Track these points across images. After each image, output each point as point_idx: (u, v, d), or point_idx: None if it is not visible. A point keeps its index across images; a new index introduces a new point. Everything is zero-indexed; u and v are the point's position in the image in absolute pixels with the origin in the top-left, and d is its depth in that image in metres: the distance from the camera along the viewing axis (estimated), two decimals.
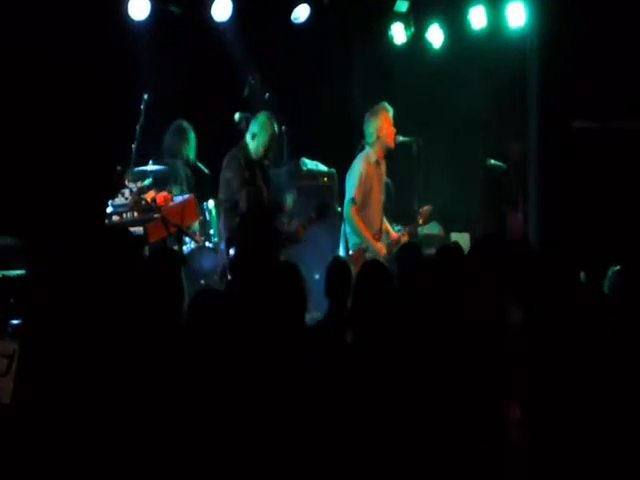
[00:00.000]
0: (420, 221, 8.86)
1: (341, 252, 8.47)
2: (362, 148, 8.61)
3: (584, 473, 4.52)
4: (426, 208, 8.90)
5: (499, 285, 5.09)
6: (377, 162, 8.63)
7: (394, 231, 8.82)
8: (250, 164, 8.08)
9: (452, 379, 4.72)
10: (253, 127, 8.14)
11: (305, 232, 8.22)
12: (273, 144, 8.25)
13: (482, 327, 4.94)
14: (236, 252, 7.54)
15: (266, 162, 8.34)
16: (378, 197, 8.67)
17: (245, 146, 8.11)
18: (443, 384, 4.70)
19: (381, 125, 8.57)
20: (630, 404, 4.60)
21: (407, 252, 6.28)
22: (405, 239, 8.73)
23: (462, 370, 4.75)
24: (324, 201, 8.76)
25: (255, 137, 8.10)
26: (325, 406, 4.51)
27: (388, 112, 8.60)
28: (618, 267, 5.58)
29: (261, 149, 8.12)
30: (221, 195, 8.13)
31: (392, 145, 8.64)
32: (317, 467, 4.36)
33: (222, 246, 7.95)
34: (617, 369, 4.70)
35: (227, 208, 8.01)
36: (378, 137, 8.56)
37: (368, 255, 8.20)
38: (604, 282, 5.54)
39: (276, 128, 8.22)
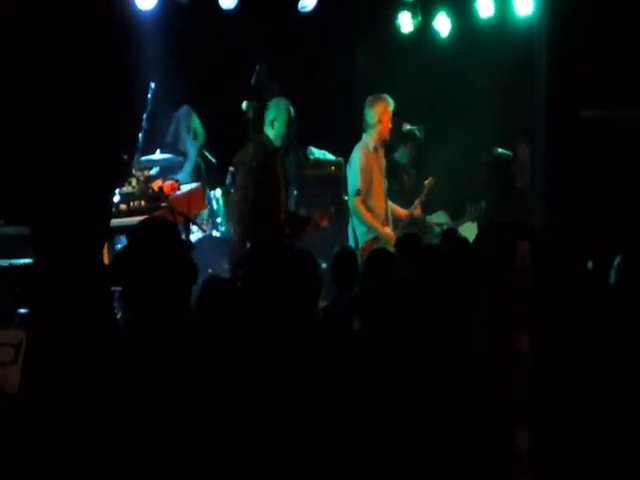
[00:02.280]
0: (424, 195, 8.89)
1: (350, 243, 8.48)
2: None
3: (586, 461, 4.53)
4: (429, 180, 8.95)
5: (504, 274, 5.09)
6: (375, 149, 8.64)
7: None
8: (270, 153, 7.98)
9: (459, 366, 4.73)
10: (270, 114, 8.05)
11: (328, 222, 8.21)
12: (291, 129, 8.18)
13: (488, 315, 4.94)
14: (253, 244, 7.48)
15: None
16: (380, 184, 8.67)
17: (265, 135, 8.02)
18: (450, 372, 4.71)
19: (381, 113, 8.58)
20: (635, 397, 4.60)
21: (408, 241, 6.30)
22: (418, 212, 8.78)
23: (468, 358, 4.76)
24: (338, 194, 8.73)
25: (274, 123, 8.02)
26: (332, 394, 4.52)
27: (389, 105, 8.61)
28: (624, 256, 5.57)
29: (282, 134, 8.02)
30: (234, 185, 8.07)
31: (387, 138, 8.65)
32: (324, 453, 4.37)
33: (234, 236, 7.86)
34: (622, 361, 4.71)
35: (239, 199, 7.87)
36: (375, 124, 8.56)
37: (378, 246, 8.22)
38: (610, 272, 5.54)
39: (292, 112, 8.15)
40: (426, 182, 9.01)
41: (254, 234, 7.57)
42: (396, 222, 8.80)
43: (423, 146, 9.45)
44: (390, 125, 8.63)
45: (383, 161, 8.78)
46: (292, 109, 8.12)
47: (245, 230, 7.63)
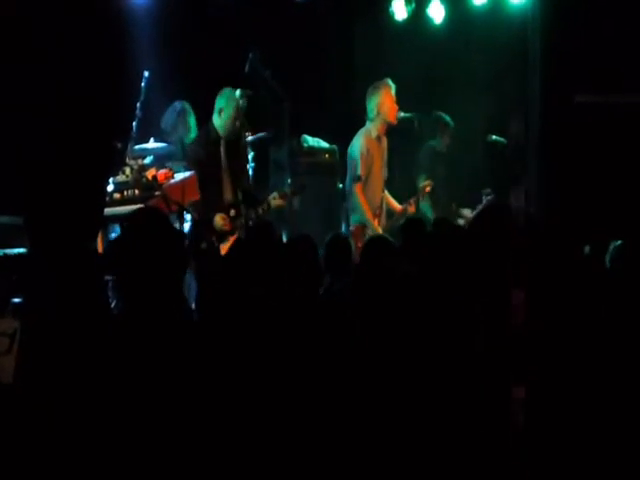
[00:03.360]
0: (421, 196, 8.91)
1: (343, 228, 8.49)
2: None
3: (588, 457, 4.53)
4: (427, 182, 8.96)
5: (502, 258, 5.08)
6: (378, 137, 8.64)
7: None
8: (216, 142, 8.10)
9: (457, 358, 4.72)
10: (219, 102, 8.15)
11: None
12: (238, 120, 8.23)
13: (486, 302, 4.93)
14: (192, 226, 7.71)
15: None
16: (379, 172, 8.68)
17: (210, 123, 8.15)
18: (448, 363, 4.70)
19: (383, 101, 8.58)
20: (633, 384, 4.60)
21: (412, 226, 6.27)
22: (412, 209, 8.78)
23: (467, 348, 4.75)
24: (300, 187, 8.76)
25: (222, 113, 8.12)
26: (328, 384, 4.50)
27: (390, 88, 8.61)
28: (619, 242, 5.57)
29: (228, 125, 8.13)
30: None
31: (394, 121, 8.66)
32: (322, 442, 4.36)
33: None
34: (619, 344, 4.70)
35: None
36: (379, 112, 8.58)
37: (368, 231, 8.22)
38: (606, 256, 5.53)
39: (242, 104, 8.24)
40: (425, 183, 9.04)
41: (195, 216, 7.74)
42: (389, 214, 8.83)
43: (417, 134, 9.43)
44: (394, 110, 8.63)
45: (385, 150, 8.78)
46: (243, 101, 8.20)
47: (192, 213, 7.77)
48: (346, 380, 4.52)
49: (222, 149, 8.17)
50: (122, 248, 4.14)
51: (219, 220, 7.91)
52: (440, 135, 9.96)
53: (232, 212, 8.05)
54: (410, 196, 8.98)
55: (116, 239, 4.47)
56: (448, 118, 9.92)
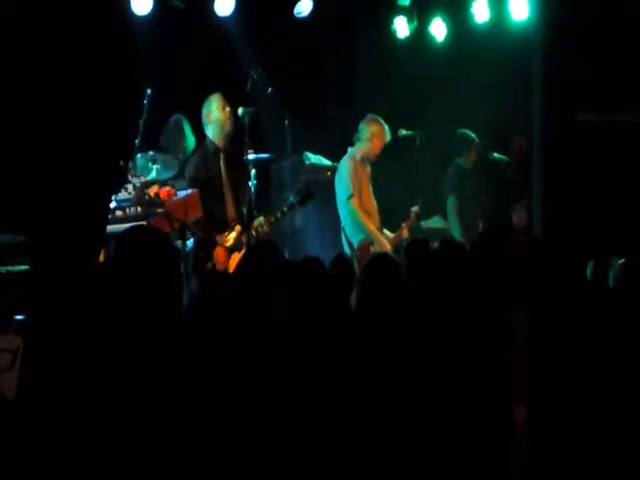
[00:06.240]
0: (410, 222, 8.90)
1: (346, 247, 8.49)
2: None
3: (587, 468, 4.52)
4: (415, 208, 8.96)
5: (504, 277, 5.09)
6: (362, 159, 8.71)
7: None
8: (215, 155, 8.12)
9: (459, 375, 4.71)
10: (204, 109, 8.19)
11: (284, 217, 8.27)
12: (231, 124, 8.24)
13: (488, 321, 4.93)
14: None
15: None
16: (369, 196, 8.73)
17: (207, 139, 8.18)
18: (450, 381, 4.69)
19: (374, 134, 8.65)
20: (636, 401, 4.59)
21: (417, 247, 6.27)
22: (405, 234, 8.78)
23: (469, 366, 4.74)
24: (307, 187, 8.75)
25: (210, 116, 8.15)
26: (334, 398, 4.51)
27: (385, 132, 8.71)
28: (622, 260, 5.57)
29: (221, 124, 8.15)
30: None
31: (373, 159, 8.75)
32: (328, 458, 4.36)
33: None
34: (622, 364, 4.70)
35: None
36: (368, 140, 8.64)
37: (373, 249, 8.22)
38: (609, 274, 5.54)
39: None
40: (413, 209, 9.03)
41: (199, 234, 7.81)
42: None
43: (419, 151, 9.45)
44: (379, 149, 8.72)
45: (369, 172, 8.85)
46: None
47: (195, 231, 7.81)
48: (351, 397, 4.53)
49: (222, 163, 8.18)
50: (112, 267, 4.13)
51: (219, 254, 7.89)
52: (466, 152, 9.92)
53: (237, 228, 8.03)
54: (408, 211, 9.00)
55: (107, 258, 4.47)
56: (473, 134, 9.90)
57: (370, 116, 8.84)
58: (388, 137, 8.76)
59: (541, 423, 4.56)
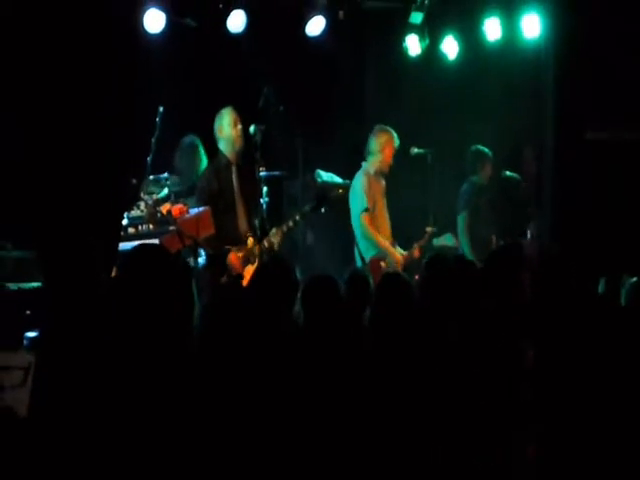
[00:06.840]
0: (423, 241, 8.88)
1: (358, 264, 8.48)
2: None
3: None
4: (430, 229, 8.95)
5: (516, 295, 5.09)
6: (375, 173, 8.71)
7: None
8: (227, 168, 8.13)
9: (471, 392, 4.71)
10: (216, 123, 8.20)
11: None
12: (242, 141, 8.25)
13: (500, 339, 4.93)
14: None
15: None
16: (382, 211, 8.73)
17: (219, 152, 8.20)
18: (461, 398, 4.69)
19: (384, 144, 8.66)
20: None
21: (437, 263, 6.24)
22: (417, 254, 8.76)
23: (480, 383, 4.74)
24: (322, 189, 8.75)
25: (222, 130, 8.16)
26: (342, 418, 4.50)
27: (393, 139, 8.70)
28: (635, 279, 5.56)
29: (232, 137, 8.17)
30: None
31: (386, 169, 8.73)
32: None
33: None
34: (633, 380, 4.69)
35: None
36: (379, 152, 8.64)
37: (384, 264, 8.22)
38: (621, 292, 5.53)
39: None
40: (427, 229, 9.01)
41: (210, 252, 7.78)
42: None
43: (431, 169, 9.44)
44: (391, 158, 8.72)
45: (384, 186, 8.83)
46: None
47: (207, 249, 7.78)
48: (359, 408, 4.54)
49: (234, 176, 8.19)
50: (118, 286, 4.14)
51: (233, 259, 7.90)
52: (480, 168, 9.90)
53: (250, 241, 8.02)
54: (423, 229, 8.99)
55: (114, 278, 4.46)
56: (487, 150, 9.88)
57: (377, 127, 8.85)
58: (397, 142, 8.74)
59: (553, 435, 4.57)
